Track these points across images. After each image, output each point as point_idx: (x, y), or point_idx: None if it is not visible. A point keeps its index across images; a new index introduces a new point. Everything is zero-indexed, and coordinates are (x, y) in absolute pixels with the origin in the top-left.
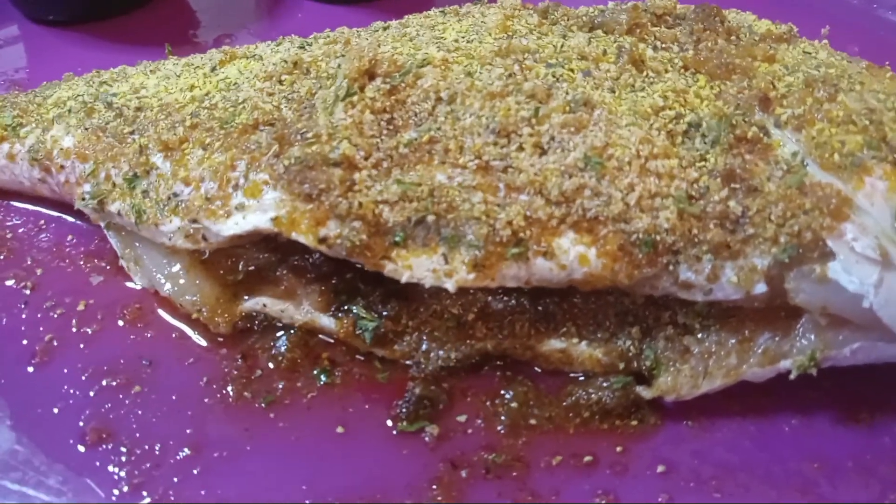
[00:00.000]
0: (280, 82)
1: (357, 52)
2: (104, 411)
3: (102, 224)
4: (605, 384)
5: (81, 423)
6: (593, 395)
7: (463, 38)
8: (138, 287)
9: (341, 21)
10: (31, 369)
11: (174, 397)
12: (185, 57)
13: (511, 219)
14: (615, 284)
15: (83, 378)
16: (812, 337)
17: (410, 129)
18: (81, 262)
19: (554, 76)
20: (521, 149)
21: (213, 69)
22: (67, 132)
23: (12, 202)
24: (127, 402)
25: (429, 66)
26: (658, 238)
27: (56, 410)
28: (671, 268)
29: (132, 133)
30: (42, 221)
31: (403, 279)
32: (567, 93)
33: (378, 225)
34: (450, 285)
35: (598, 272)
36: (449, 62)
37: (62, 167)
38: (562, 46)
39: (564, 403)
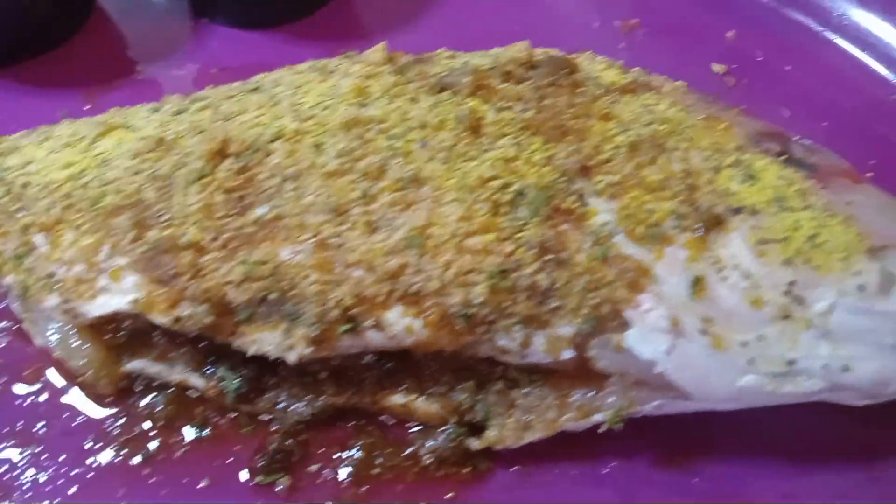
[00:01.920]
0: (145, 160)
1: (210, 132)
2: (1, 472)
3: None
4: (441, 435)
5: None
6: (430, 445)
7: (320, 104)
8: (38, 348)
9: (256, 47)
10: None
11: (63, 457)
12: (77, 120)
13: (341, 298)
14: (442, 349)
15: None
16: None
17: (259, 205)
18: None
19: (392, 149)
20: (353, 227)
21: (93, 142)
22: None
23: None
24: (21, 463)
25: (279, 140)
26: (472, 311)
27: None
28: (488, 336)
29: (19, 210)
30: None
31: (250, 352)
32: (399, 170)
33: (224, 305)
34: (291, 358)
35: (425, 340)
36: (301, 133)
37: None
38: (406, 114)
39: (404, 453)
